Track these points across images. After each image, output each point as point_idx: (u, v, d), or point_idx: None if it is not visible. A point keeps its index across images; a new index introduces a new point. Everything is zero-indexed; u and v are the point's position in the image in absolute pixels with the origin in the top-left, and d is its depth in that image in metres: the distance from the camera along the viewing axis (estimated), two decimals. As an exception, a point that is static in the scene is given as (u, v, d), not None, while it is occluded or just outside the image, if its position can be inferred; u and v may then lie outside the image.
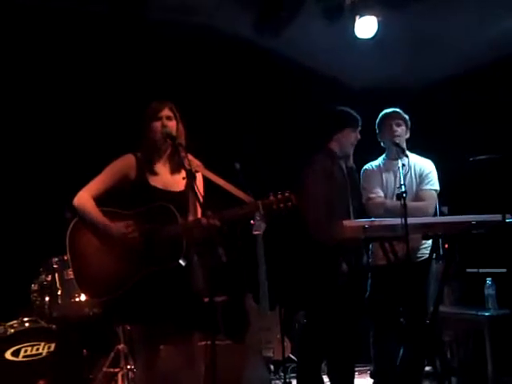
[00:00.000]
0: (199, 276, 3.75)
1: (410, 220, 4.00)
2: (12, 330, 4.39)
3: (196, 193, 3.56)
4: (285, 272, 5.23)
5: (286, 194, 3.56)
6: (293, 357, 5.65)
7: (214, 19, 5.67)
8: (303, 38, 5.72)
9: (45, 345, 4.42)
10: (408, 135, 4.76)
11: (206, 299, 3.73)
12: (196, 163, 3.71)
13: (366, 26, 5.51)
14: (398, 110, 4.75)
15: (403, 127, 4.72)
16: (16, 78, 5.40)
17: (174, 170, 3.76)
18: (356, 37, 5.58)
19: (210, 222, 3.54)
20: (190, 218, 3.66)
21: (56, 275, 4.49)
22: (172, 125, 3.71)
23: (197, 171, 3.66)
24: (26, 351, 4.36)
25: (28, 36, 5.39)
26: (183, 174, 3.63)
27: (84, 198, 3.63)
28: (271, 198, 3.56)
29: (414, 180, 4.68)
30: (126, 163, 3.72)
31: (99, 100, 5.56)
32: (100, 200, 3.65)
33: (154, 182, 3.70)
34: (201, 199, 3.61)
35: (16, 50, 5.38)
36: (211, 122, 5.75)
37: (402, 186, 4.16)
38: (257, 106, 6.17)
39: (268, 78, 6.18)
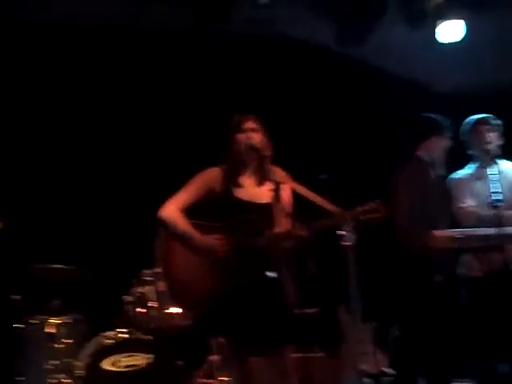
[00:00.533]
0: (289, 288, 3.74)
1: (506, 229, 3.86)
2: (110, 341, 4.50)
3: (283, 204, 3.56)
4: (377, 283, 5.13)
5: (375, 205, 3.50)
6: (388, 370, 5.53)
7: (295, 30, 5.67)
8: (386, 45, 5.63)
9: (142, 356, 4.49)
10: (502, 141, 4.59)
11: (297, 311, 3.71)
12: (282, 175, 3.71)
13: (450, 30, 5.36)
14: (490, 115, 4.60)
15: (496, 133, 4.55)
16: (109, 100, 5.61)
17: (260, 182, 3.76)
18: (440, 41, 5.45)
19: (299, 234, 3.54)
20: (278, 229, 3.64)
21: (149, 287, 4.58)
22: (257, 137, 3.72)
23: (283, 183, 3.66)
24: (124, 362, 4.46)
25: (121, 56, 5.60)
26: (269, 185, 3.65)
27: (170, 210, 3.69)
28: (359, 208, 3.52)
29: (508, 188, 4.50)
30: (210, 176, 3.76)
31: (187, 113, 5.66)
32: (185, 212, 3.70)
33: (240, 194, 3.72)
34: (288, 211, 3.60)
35: (110, 69, 5.60)
36: (295, 133, 5.73)
37: (496, 195, 4.01)
38: (340, 115, 6.11)
39: (351, 86, 6.11)
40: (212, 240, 3.62)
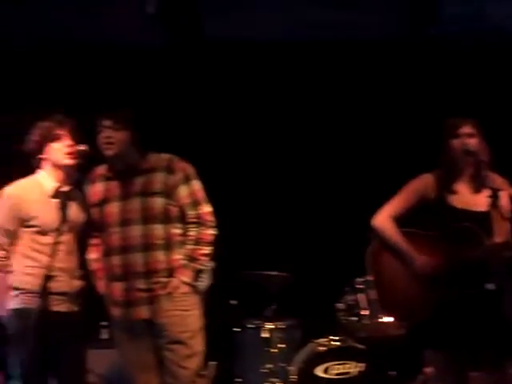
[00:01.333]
0: (510, 300, 3.54)
1: None
2: (323, 348, 4.56)
3: (501, 212, 3.38)
4: None
5: None
6: None
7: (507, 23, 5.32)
8: None
9: (354, 364, 4.50)
10: None
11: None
12: (500, 181, 3.54)
13: None
14: None
15: None
16: (322, 107, 5.69)
17: (476, 188, 3.58)
18: None
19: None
20: (497, 239, 3.46)
21: (361, 295, 4.56)
22: (473, 142, 3.56)
23: (501, 189, 3.47)
24: (336, 369, 4.49)
25: (327, 65, 5.66)
26: (486, 192, 3.49)
27: (383, 219, 3.63)
28: None
29: None
30: (424, 183, 3.64)
31: (402, 119, 5.57)
32: (398, 220, 3.62)
33: (455, 201, 3.56)
34: (507, 219, 3.42)
35: (318, 78, 5.66)
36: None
37: None
38: None
39: None
40: (424, 259, 3.52)
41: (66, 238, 3.63)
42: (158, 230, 3.63)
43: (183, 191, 3.69)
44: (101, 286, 3.75)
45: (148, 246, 3.61)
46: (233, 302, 4.91)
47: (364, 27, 5.35)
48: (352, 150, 5.61)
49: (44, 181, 3.70)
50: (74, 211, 3.70)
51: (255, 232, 5.45)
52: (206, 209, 3.73)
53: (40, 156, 3.69)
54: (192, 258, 3.65)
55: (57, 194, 3.66)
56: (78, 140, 3.68)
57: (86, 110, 3.96)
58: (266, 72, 5.65)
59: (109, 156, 3.67)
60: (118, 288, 3.65)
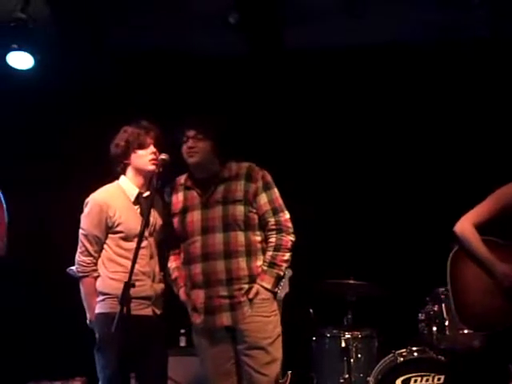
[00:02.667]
0: None
1: None
2: (402, 359, 4.47)
3: None
4: None
5: None
6: None
7: None
8: None
9: (434, 376, 4.40)
10: None
11: None
12: None
13: None
14: None
15: None
16: (405, 111, 5.60)
17: None
18: None
19: None
20: None
21: (443, 305, 4.45)
22: None
23: None
24: (415, 381, 4.39)
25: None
26: None
27: (466, 226, 3.53)
28: None
29: None
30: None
31: (492, 123, 5.42)
32: (481, 228, 3.53)
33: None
34: None
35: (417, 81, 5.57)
36: None
37: None
38: None
39: None
40: (506, 270, 3.42)
41: (148, 242, 3.70)
42: (239, 237, 3.67)
43: (263, 199, 3.73)
44: (182, 293, 3.80)
45: (229, 254, 3.66)
46: (310, 310, 4.89)
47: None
48: (438, 158, 5.49)
49: (126, 186, 3.77)
50: (154, 216, 3.77)
51: (333, 240, 5.42)
52: (286, 215, 3.77)
53: (125, 161, 3.76)
54: (272, 264, 3.68)
55: (139, 200, 3.75)
56: (160, 148, 3.75)
57: (168, 120, 4.02)
58: (340, 81, 5.64)
59: (191, 164, 3.74)
60: (199, 295, 3.70)
